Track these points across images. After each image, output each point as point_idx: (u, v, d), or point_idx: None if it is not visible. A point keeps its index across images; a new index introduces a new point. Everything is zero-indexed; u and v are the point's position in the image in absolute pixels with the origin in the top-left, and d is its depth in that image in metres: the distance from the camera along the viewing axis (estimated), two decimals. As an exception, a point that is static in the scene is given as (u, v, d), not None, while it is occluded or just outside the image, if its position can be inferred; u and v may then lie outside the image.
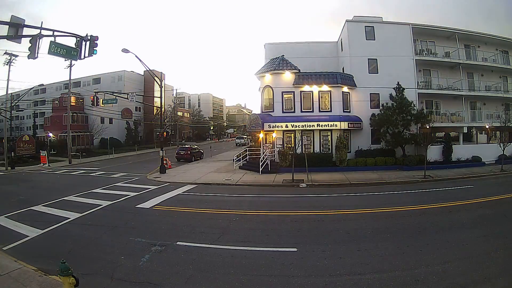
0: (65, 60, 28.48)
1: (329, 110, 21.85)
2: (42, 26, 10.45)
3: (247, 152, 24.63)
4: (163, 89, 24.58)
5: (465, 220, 9.41)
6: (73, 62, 28.33)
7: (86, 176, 20.87)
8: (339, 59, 26.46)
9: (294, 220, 9.86)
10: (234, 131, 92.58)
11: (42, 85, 45.60)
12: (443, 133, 24.56)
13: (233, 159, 24.87)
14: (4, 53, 27.70)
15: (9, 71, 29.27)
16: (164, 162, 21.81)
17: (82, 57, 11.52)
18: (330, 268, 6.32)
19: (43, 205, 11.81)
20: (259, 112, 23.77)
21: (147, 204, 12.05)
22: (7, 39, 9.89)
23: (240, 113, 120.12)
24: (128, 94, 26.32)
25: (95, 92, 27.62)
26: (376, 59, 23.37)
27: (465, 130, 23.87)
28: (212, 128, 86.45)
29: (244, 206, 11.98)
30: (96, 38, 11.63)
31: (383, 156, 20.88)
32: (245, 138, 54.22)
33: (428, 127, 20.80)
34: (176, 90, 68.96)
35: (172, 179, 18.39)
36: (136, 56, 20.41)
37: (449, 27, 24.88)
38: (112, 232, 8.84)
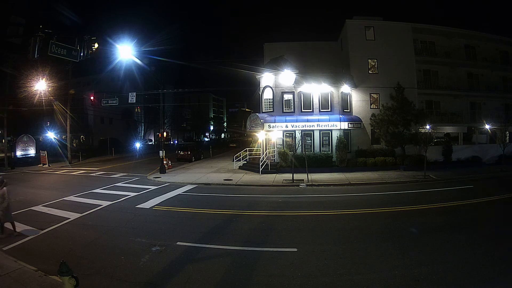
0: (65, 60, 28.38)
1: (329, 110, 21.86)
2: (42, 26, 10.44)
3: (247, 152, 24.63)
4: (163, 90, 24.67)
5: (466, 220, 9.42)
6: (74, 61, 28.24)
7: (86, 176, 20.86)
8: (339, 59, 26.49)
9: (294, 220, 9.86)
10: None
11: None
12: (443, 133, 24.59)
13: (233, 159, 24.90)
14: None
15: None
16: (165, 162, 21.80)
17: (83, 57, 11.49)
18: (330, 268, 6.32)
19: (43, 205, 11.79)
20: (259, 112, 23.79)
21: (147, 204, 12.05)
22: (7, 39, 9.88)
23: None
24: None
25: (94, 92, 27.61)
26: (376, 59, 23.43)
27: (465, 130, 23.87)
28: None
29: (244, 206, 11.98)
30: (96, 38, 11.61)
31: (383, 156, 20.87)
32: None
33: (428, 127, 20.82)
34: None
35: (172, 179, 18.39)
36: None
37: (449, 27, 24.92)
38: (112, 232, 8.83)
